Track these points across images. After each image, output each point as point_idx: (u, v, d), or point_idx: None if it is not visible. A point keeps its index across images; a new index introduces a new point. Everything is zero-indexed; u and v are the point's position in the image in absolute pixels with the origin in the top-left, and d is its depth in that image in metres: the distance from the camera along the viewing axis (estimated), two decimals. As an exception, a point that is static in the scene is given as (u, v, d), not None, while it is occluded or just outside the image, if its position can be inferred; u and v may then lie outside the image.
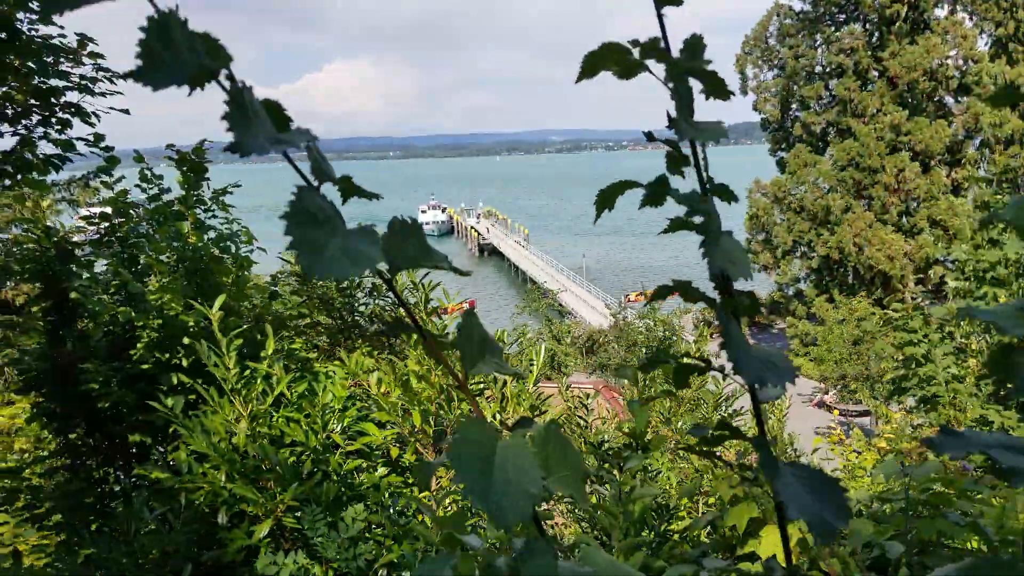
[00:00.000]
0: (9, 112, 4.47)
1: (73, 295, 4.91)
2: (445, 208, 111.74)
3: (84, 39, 4.87)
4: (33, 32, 4.32)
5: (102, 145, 5.15)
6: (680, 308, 32.20)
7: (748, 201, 37.68)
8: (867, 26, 34.16)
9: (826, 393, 33.98)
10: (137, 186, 5.16)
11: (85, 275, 5.06)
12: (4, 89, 4.50)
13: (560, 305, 43.61)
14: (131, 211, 5.34)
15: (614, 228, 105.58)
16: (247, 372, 4.10)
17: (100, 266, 5.34)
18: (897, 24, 32.33)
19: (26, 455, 6.61)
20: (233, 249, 5.26)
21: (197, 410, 4.27)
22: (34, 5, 4.19)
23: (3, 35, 3.86)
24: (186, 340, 4.61)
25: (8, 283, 4.68)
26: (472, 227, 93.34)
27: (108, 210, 5.19)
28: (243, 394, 3.99)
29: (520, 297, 58.59)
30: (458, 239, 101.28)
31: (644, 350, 28.80)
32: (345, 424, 4.28)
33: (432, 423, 4.23)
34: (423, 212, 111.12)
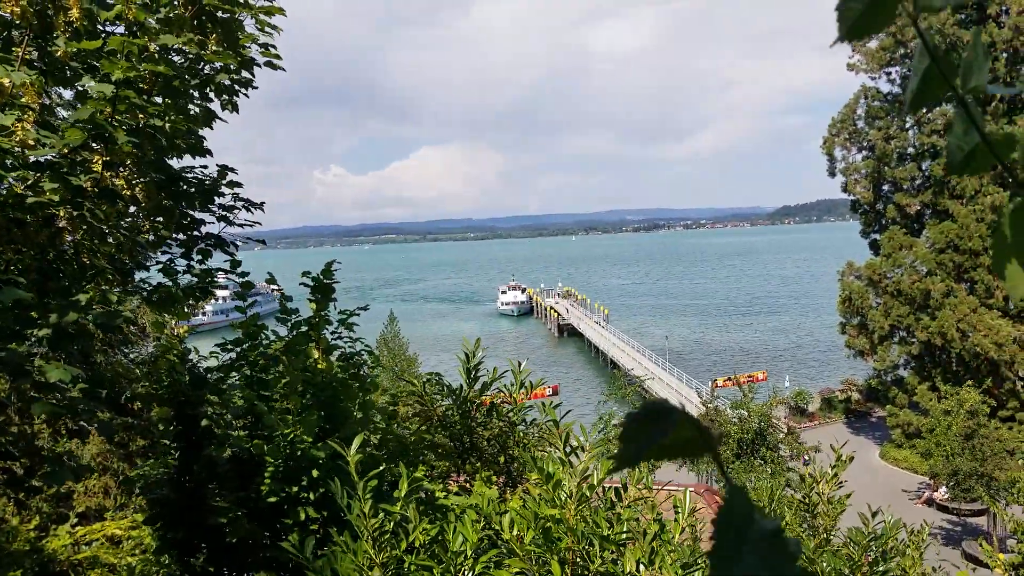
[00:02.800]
0: (150, 247, 4.62)
1: (204, 422, 4.93)
2: (525, 288, 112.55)
3: (224, 169, 5.04)
4: (186, 171, 4.50)
5: (238, 271, 5.26)
6: (775, 396, 30.78)
7: (840, 284, 36.30)
8: (962, 105, 33.09)
9: (936, 490, 31.34)
10: (278, 318, 5.23)
11: (215, 400, 5.09)
12: (148, 224, 4.67)
13: (645, 391, 42.52)
14: (261, 335, 5.39)
15: (698, 309, 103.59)
16: (380, 515, 3.93)
17: (228, 381, 5.39)
18: (993, 104, 31.26)
19: (140, 573, 6.62)
20: (360, 371, 5.22)
21: (324, 548, 4.12)
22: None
23: (162, 177, 4.02)
24: (315, 473, 4.51)
25: (147, 408, 4.71)
26: (551, 307, 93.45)
27: (240, 335, 5.26)
28: (378, 540, 3.82)
29: (601, 380, 57.45)
30: (537, 319, 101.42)
31: (737, 442, 27.48)
32: (477, 572, 4.03)
33: (570, 575, 3.92)
34: (503, 292, 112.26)
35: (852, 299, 35.32)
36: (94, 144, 3.28)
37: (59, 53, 3.37)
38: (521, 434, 5.90)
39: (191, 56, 3.88)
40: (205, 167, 4.98)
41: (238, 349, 5.22)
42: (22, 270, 3.47)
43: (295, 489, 4.56)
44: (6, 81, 3.04)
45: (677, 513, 4.04)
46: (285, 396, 5.20)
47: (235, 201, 5.09)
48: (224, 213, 4.99)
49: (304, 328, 5.31)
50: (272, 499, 4.60)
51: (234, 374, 5.34)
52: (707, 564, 3.93)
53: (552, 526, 3.96)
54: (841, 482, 4.80)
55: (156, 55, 3.33)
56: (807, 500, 4.76)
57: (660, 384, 50.53)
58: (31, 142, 3.15)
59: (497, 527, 4.25)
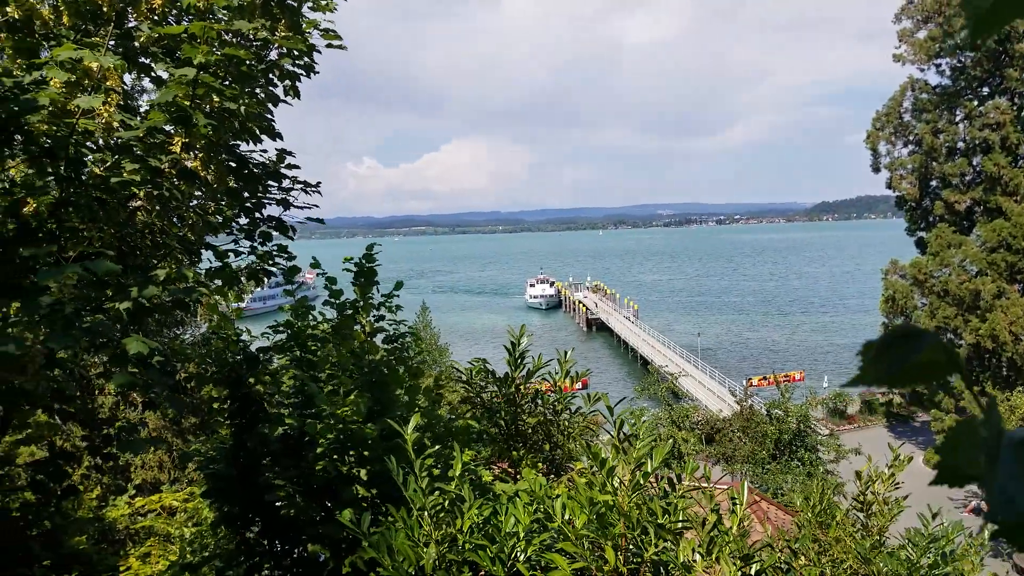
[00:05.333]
0: (216, 228, 4.71)
1: (257, 400, 5.03)
2: (553, 282, 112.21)
3: (283, 153, 5.11)
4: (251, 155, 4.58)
5: (286, 255, 5.35)
6: (812, 396, 30.33)
7: (884, 283, 35.55)
8: (1015, 100, 32.17)
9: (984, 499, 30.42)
10: (325, 301, 5.32)
11: (267, 379, 5.19)
12: (213, 207, 4.76)
13: (677, 387, 42.20)
14: (310, 316, 5.48)
15: (732, 306, 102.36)
16: (436, 494, 3.99)
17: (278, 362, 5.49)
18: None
19: (195, 544, 6.80)
20: (405, 354, 5.28)
21: (378, 526, 4.19)
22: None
23: (232, 159, 4.10)
24: (366, 452, 4.58)
25: (203, 387, 4.83)
26: (580, 301, 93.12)
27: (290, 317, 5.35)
28: (435, 517, 3.88)
29: (630, 376, 57.10)
30: (566, 313, 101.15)
31: (775, 443, 27.12)
32: (529, 553, 4.06)
33: (624, 561, 3.93)
34: (531, 286, 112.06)
35: (896, 299, 34.56)
36: (173, 127, 3.37)
37: (142, 39, 3.47)
38: (566, 423, 5.91)
39: (258, 42, 3.94)
40: (265, 151, 5.07)
41: (288, 331, 5.32)
42: (102, 247, 3.57)
43: (346, 467, 4.64)
44: (95, 65, 3.13)
45: (735, 504, 4.03)
46: (332, 377, 5.29)
47: (293, 184, 5.17)
48: (284, 196, 5.07)
49: (349, 311, 5.38)
50: (324, 474, 4.69)
51: (284, 355, 5.44)
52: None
53: (606, 512, 3.98)
54: (898, 483, 4.72)
55: (234, 40, 3.41)
56: (862, 499, 4.69)
57: (692, 381, 50.08)
58: (116, 124, 3.24)
59: (549, 511, 4.27)
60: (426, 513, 3.95)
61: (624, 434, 4.24)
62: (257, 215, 4.86)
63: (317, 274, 5.54)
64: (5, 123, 3.55)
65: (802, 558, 4.43)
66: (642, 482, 4.00)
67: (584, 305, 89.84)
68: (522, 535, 4.11)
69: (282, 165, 5.12)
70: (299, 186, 5.17)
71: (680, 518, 3.91)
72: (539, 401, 5.79)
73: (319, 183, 5.20)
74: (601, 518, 3.98)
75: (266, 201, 5.02)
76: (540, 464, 5.63)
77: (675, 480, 4.21)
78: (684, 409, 31.50)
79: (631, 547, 4.10)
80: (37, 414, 4.03)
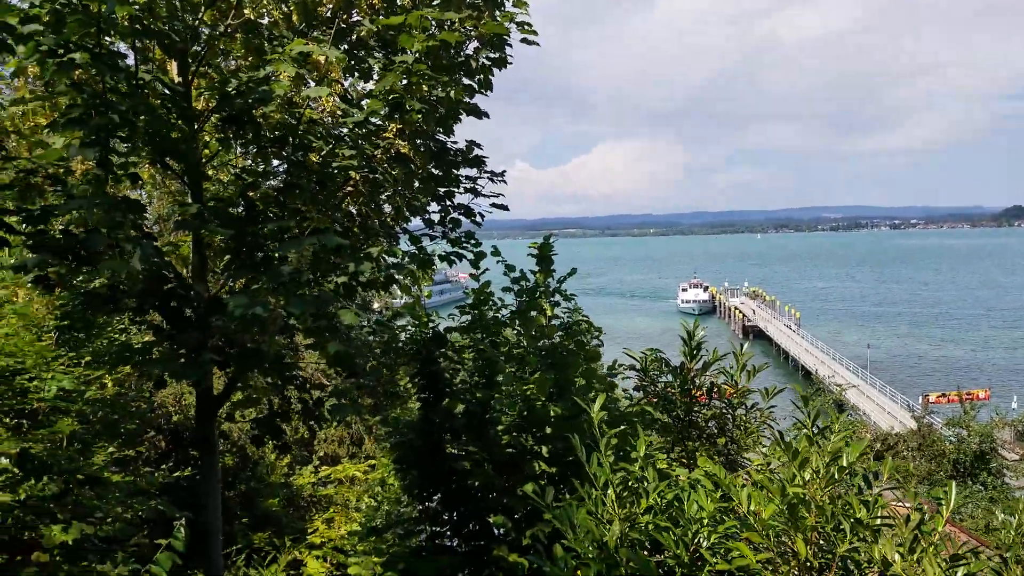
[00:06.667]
0: (413, 213, 5.06)
1: (443, 377, 5.34)
2: (707, 287, 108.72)
3: (471, 144, 5.38)
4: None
5: (472, 241, 5.63)
6: (999, 417, 27.35)
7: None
8: None
9: None
10: (504, 288, 5.57)
11: (453, 357, 5.49)
12: (409, 192, 5.10)
13: (843, 399, 39.53)
14: (491, 300, 5.73)
15: (908, 317, 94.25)
16: (621, 472, 4.06)
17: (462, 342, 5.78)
18: None
19: (376, 512, 7.32)
20: (583, 341, 5.39)
21: (558, 503, 4.31)
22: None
23: (435, 146, 4.42)
24: (548, 430, 4.73)
25: (397, 363, 5.20)
26: (736, 308, 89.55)
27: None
28: (621, 496, 3.94)
29: (791, 387, 53.84)
30: (720, 319, 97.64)
31: (953, 463, 24.74)
32: (712, 541, 4.03)
33: (815, 556, 3.80)
34: (683, 290, 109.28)
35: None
36: (387, 114, 3.70)
37: (363, 32, 3.84)
38: (743, 417, 5.78)
39: (459, 31, 4.18)
40: (455, 142, 5.37)
41: (473, 312, 5.62)
42: (320, 228, 3.97)
43: (530, 442, 4.82)
44: (321, 59, 3.51)
45: (940, 505, 3.77)
46: (512, 358, 5.51)
47: (479, 173, 5.43)
48: (472, 185, 5.34)
49: (531, 295, 5.59)
50: (509, 452, 4.90)
51: (466, 336, 5.74)
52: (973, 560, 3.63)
53: (799, 504, 3.86)
54: None
55: (447, 29, 3.69)
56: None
57: (859, 395, 46.73)
58: (339, 113, 3.61)
59: (735, 500, 4.21)
60: (610, 491, 4.02)
61: (817, 426, 4.09)
62: (447, 202, 5.16)
63: (496, 262, 5.79)
64: (238, 115, 4.05)
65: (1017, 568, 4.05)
66: (836, 476, 3.85)
67: (740, 311, 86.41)
68: (706, 522, 4.08)
69: (471, 156, 5.40)
70: (485, 174, 5.41)
71: (880, 514, 3.72)
72: (715, 393, 5.71)
73: (504, 171, 5.41)
74: (793, 509, 3.87)
75: (454, 190, 5.32)
76: (716, 457, 5.54)
77: (871, 476, 4.01)
78: (852, 423, 29.47)
79: (821, 541, 3.96)
80: (259, 377, 4.53)
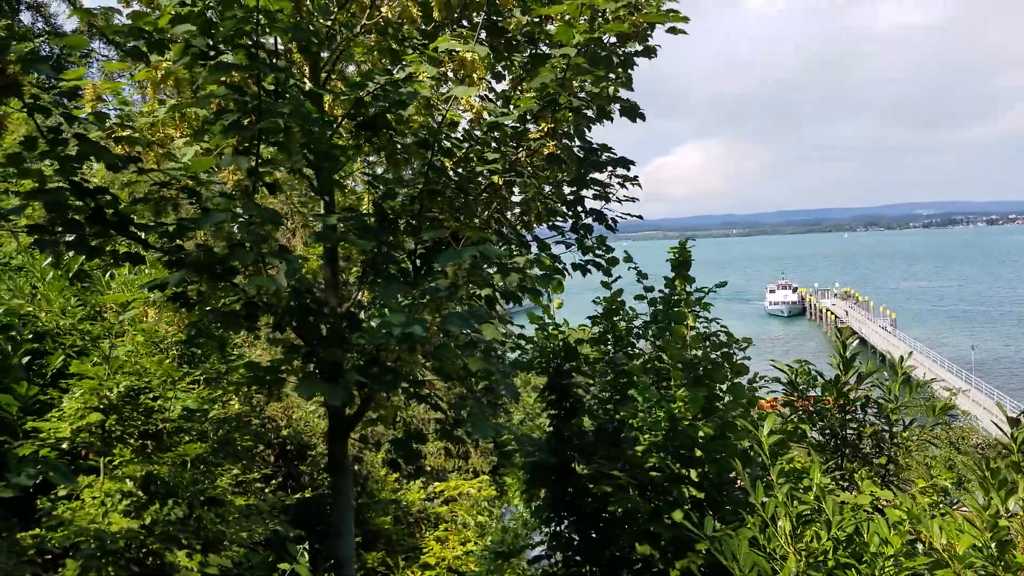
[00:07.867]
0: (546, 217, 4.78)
1: (576, 392, 5.03)
2: (796, 288, 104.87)
3: (603, 147, 5.06)
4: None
5: (604, 247, 5.30)
6: None
7: None
8: None
9: None
10: (637, 296, 5.25)
11: (585, 370, 5.19)
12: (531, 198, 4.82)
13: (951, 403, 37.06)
14: (622, 310, 5.41)
15: (1016, 317, 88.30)
16: (796, 503, 3.65)
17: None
18: None
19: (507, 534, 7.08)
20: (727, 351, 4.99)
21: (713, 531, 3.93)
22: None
23: (582, 147, 4.13)
24: (698, 452, 4.36)
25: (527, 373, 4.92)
26: (828, 309, 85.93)
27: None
28: (794, 529, 3.54)
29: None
30: (811, 321, 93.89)
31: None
32: (901, 580, 3.57)
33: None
34: (771, 292, 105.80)
35: None
36: (538, 113, 3.45)
37: (511, 26, 3.61)
38: (903, 434, 5.24)
39: (627, 21, 3.85)
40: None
41: (604, 323, 5.30)
42: (476, 239, 3.72)
43: (677, 465, 4.45)
44: (469, 56, 3.28)
45: None
46: (648, 371, 5.16)
47: (610, 177, 5.10)
48: (603, 190, 5.02)
49: (670, 305, 5.22)
50: (651, 475, 4.55)
51: (597, 348, 5.43)
52: None
53: (1008, 540, 3.37)
54: None
55: (608, 18, 3.41)
56: None
57: (966, 399, 43.85)
58: (486, 114, 3.39)
59: (924, 532, 3.73)
60: (782, 522, 3.63)
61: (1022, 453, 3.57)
62: (579, 208, 4.87)
63: (628, 268, 5.46)
64: (375, 119, 3.87)
65: None
66: (1057, 512, 3.34)
67: (832, 313, 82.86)
68: (892, 558, 3.63)
69: (602, 158, 5.08)
70: (616, 180, 5.09)
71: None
72: (872, 408, 5.20)
73: (636, 176, 5.07)
74: (1003, 547, 3.38)
75: (583, 194, 5.01)
76: (875, 478, 5.03)
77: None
78: (962, 430, 27.57)
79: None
80: (397, 395, 4.33)
